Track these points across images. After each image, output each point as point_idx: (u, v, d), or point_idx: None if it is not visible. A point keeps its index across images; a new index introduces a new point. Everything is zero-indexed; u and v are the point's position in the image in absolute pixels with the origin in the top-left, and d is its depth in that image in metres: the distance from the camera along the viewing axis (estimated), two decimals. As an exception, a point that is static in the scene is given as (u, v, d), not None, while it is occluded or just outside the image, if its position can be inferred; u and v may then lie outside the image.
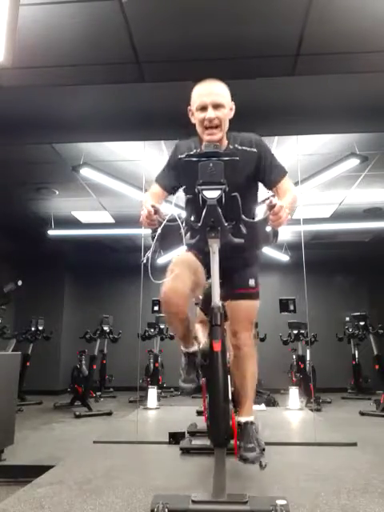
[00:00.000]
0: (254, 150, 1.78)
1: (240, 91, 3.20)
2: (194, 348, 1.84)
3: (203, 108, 1.71)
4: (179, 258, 1.76)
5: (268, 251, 6.03)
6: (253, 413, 1.84)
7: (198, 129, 1.77)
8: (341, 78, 3.08)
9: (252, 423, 1.77)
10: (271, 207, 1.50)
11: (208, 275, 1.71)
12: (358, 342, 6.50)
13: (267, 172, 1.79)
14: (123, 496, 1.66)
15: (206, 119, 1.70)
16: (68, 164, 4.28)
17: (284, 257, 6.50)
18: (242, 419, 1.78)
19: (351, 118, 3.39)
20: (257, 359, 1.89)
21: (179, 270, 1.66)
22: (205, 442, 2.23)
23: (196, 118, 1.76)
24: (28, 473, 2.31)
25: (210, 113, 1.70)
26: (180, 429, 2.71)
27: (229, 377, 1.60)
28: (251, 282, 1.87)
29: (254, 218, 1.75)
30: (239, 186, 1.62)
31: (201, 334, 1.95)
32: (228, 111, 1.76)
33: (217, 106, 1.71)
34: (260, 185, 1.89)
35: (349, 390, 6.64)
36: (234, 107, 1.81)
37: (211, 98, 1.71)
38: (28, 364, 5.95)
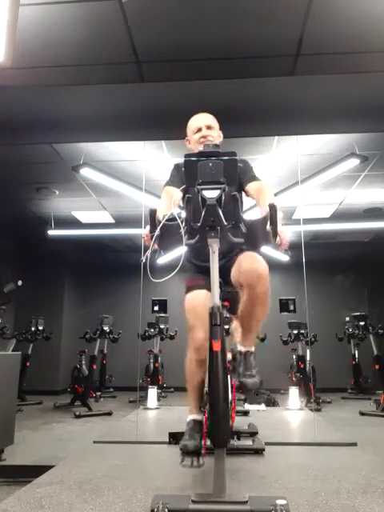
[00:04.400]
0: (240, 164, 2.00)
1: (240, 91, 3.23)
2: (201, 417, 1.88)
3: (199, 130, 2.10)
4: (191, 303, 1.97)
5: (268, 251, 6.03)
6: (253, 344, 1.91)
7: (195, 149, 2.05)
8: (341, 78, 3.08)
9: (252, 353, 1.85)
10: (272, 207, 1.52)
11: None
12: (357, 342, 6.50)
13: (243, 174, 2.00)
14: (123, 496, 1.66)
15: (202, 136, 2.08)
16: (68, 164, 4.28)
17: (284, 257, 6.50)
18: (244, 348, 1.86)
19: (351, 118, 3.39)
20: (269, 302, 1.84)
21: (199, 317, 1.84)
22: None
23: (193, 139, 2.12)
24: (28, 473, 2.31)
25: (205, 131, 2.09)
26: (180, 429, 2.69)
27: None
28: None
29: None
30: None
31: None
32: (217, 136, 2.11)
33: (209, 127, 2.10)
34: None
35: (349, 390, 6.64)
36: (222, 136, 2.15)
37: (204, 122, 2.11)
38: (28, 364, 5.94)
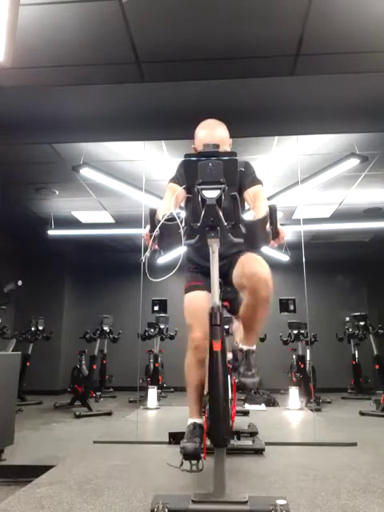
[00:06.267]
0: (242, 168, 2.01)
1: (240, 91, 3.24)
2: (201, 421, 1.85)
3: None
4: (190, 303, 1.97)
5: (268, 251, 6.03)
6: (255, 343, 1.91)
7: None
8: (341, 78, 3.08)
9: (253, 352, 1.86)
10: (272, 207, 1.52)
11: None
12: (357, 342, 6.50)
13: (244, 177, 1.98)
14: (123, 496, 1.66)
15: None
16: (68, 164, 4.28)
17: (284, 257, 6.50)
18: (245, 347, 1.86)
19: (351, 118, 3.39)
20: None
21: (198, 317, 1.85)
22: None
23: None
24: (28, 473, 2.31)
25: None
26: (180, 429, 2.69)
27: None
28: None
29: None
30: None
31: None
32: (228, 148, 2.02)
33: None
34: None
35: (349, 390, 6.64)
36: (231, 142, 2.05)
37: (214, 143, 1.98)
38: (28, 364, 5.95)
